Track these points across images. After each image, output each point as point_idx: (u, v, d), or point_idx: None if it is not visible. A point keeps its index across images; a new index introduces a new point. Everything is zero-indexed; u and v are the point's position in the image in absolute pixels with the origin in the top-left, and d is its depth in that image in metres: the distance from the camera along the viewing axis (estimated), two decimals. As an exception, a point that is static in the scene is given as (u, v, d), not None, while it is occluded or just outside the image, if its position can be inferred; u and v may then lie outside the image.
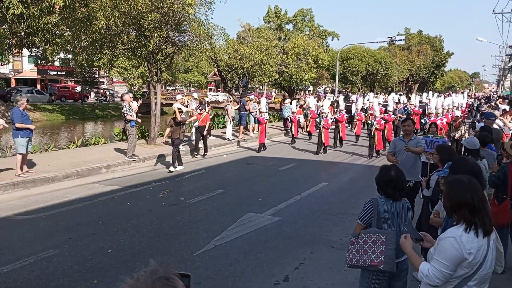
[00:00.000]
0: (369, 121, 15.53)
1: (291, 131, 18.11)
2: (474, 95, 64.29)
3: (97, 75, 52.51)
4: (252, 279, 5.23)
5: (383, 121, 14.75)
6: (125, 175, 11.13)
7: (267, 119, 15.85)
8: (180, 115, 11.72)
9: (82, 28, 13.53)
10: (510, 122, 11.19)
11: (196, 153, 13.96)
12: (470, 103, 30.86)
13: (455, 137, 12.03)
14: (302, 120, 20.21)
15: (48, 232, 6.72)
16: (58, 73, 49.14)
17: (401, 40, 38.17)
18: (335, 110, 21.17)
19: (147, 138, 15.94)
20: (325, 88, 59.98)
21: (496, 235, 3.47)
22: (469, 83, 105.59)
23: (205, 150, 14.05)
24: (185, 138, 14.14)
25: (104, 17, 12.40)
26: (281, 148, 16.56)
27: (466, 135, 11.33)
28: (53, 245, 6.16)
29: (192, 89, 60.19)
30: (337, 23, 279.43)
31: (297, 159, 13.83)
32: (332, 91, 41.47)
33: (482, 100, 32.88)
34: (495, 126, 9.77)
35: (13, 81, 47.97)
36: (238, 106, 19.46)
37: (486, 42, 40.17)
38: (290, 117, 18.35)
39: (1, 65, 36.07)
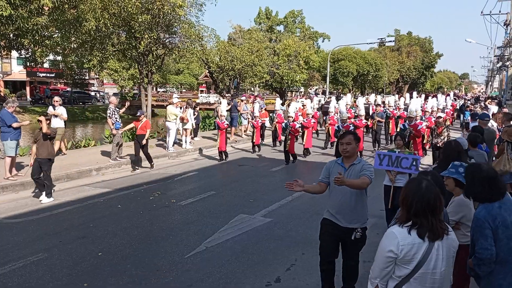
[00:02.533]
0: (335, 127, 13.39)
1: (274, 137, 16.34)
2: (466, 94, 64.47)
3: (87, 77, 52.20)
4: (243, 281, 5.23)
5: (352, 127, 12.76)
6: (115, 177, 11.06)
7: (227, 124, 13.83)
8: (47, 126, 8.49)
9: (71, 29, 13.49)
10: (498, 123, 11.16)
11: (137, 167, 11.89)
12: (457, 104, 29.78)
13: (438, 144, 10.97)
14: (267, 124, 18.26)
15: (38, 236, 6.66)
16: (48, 75, 48.73)
17: (391, 41, 38.52)
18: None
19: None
20: (316, 89, 60.18)
21: None
22: (458, 83, 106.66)
23: (149, 161, 12.01)
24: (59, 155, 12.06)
25: (94, 19, 12.36)
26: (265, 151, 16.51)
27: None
28: (42, 248, 6.10)
29: (184, 90, 60.08)
30: (327, 24, 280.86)
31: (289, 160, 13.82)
32: (323, 92, 41.58)
33: (469, 101, 32.63)
34: (489, 126, 9.73)
35: (1, 83, 47.46)
36: (229, 107, 19.45)
37: (475, 43, 40.69)
38: (252, 122, 15.98)
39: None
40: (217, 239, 6.56)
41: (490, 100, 24.93)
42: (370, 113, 18.05)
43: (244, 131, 19.08)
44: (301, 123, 14.11)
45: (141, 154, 12.03)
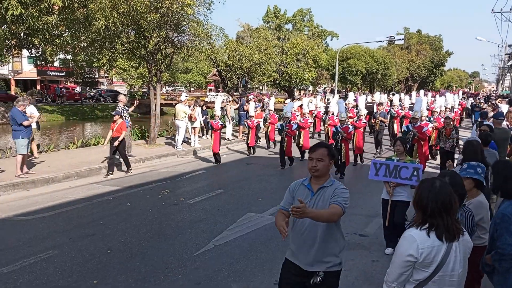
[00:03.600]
0: (333, 128, 12.29)
1: (267, 139, 15.57)
2: (477, 93, 63.46)
3: (96, 76, 52.54)
4: (252, 279, 5.23)
5: (351, 128, 11.65)
6: (125, 175, 11.13)
7: (221, 124, 12.82)
8: None
9: (81, 28, 13.55)
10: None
11: (110, 172, 10.96)
12: (466, 103, 28.84)
13: (446, 148, 10.39)
14: (261, 125, 17.48)
15: (48, 233, 6.72)
16: (58, 73, 49.14)
17: (400, 39, 38.13)
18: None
19: (147, 139, 15.96)
20: (324, 87, 59.99)
21: None
22: (469, 82, 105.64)
23: (127, 165, 11.27)
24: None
25: (103, 18, 12.40)
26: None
27: (460, 142, 10.36)
28: (53, 245, 6.17)
29: (192, 89, 60.25)
30: (336, 23, 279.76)
31: (297, 158, 13.78)
32: (332, 91, 41.44)
33: (479, 100, 32.03)
34: (503, 125, 9.50)
35: (12, 82, 47.98)
36: (237, 106, 19.46)
37: (485, 41, 40.24)
38: (247, 122, 14.86)
39: (0, 66, 35.99)
40: (225, 238, 6.57)
41: (500, 99, 24.68)
42: (374, 113, 17.40)
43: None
44: (297, 123, 13.12)
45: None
